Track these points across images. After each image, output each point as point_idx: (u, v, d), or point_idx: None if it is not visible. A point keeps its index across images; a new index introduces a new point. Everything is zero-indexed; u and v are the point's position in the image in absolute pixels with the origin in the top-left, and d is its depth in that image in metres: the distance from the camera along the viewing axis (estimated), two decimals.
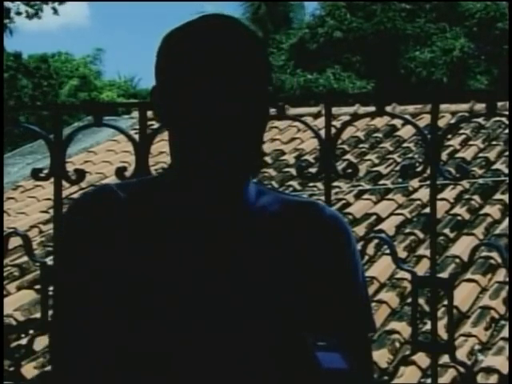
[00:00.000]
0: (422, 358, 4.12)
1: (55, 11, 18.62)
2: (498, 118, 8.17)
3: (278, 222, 1.51)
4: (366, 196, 7.17)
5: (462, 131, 8.19)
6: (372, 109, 2.52)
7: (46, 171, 2.64)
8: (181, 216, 1.47)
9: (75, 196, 7.48)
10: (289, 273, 1.48)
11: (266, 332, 1.46)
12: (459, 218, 6.53)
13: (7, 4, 17.75)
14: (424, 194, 6.63)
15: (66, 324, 1.47)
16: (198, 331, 1.43)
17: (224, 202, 1.47)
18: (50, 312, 1.56)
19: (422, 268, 5.43)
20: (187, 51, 1.42)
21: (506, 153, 7.59)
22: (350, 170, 2.51)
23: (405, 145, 8.26)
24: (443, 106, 7.90)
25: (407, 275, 3.26)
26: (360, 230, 6.42)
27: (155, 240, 1.46)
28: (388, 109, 2.61)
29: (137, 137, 2.61)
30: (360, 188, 7.26)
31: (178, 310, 1.43)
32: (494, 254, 5.43)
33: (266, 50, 1.50)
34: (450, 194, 6.87)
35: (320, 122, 5.19)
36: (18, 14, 18.21)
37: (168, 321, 1.43)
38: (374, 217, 6.71)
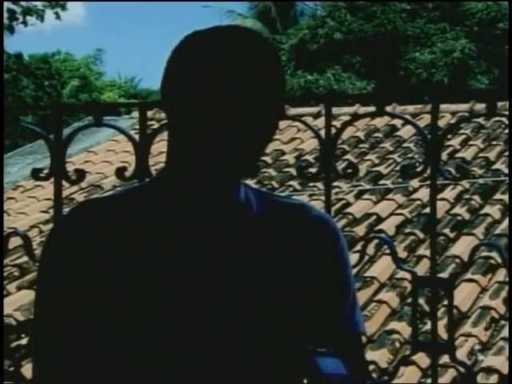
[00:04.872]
0: (422, 358, 4.12)
1: (57, 16, 18.62)
2: (498, 118, 8.17)
3: (267, 223, 1.52)
4: (366, 196, 7.17)
5: (462, 131, 8.19)
6: (372, 109, 2.51)
7: (46, 171, 2.63)
8: (169, 217, 1.48)
9: (74, 195, 7.49)
10: (277, 274, 1.49)
11: (260, 333, 1.46)
12: (459, 217, 6.53)
13: (11, 6, 17.72)
14: (424, 193, 6.63)
15: (58, 333, 1.47)
16: (196, 332, 1.44)
17: (213, 203, 1.48)
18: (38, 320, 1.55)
19: (422, 268, 5.43)
20: (203, 54, 1.43)
21: (506, 153, 7.59)
22: (350, 170, 2.51)
23: (405, 145, 8.26)
24: (443, 106, 7.89)
25: (407, 275, 3.27)
26: (360, 230, 6.42)
27: (146, 241, 1.46)
28: (388, 109, 2.61)
29: (137, 137, 2.61)
30: (360, 188, 7.26)
31: (170, 311, 1.44)
32: (494, 254, 5.43)
33: (281, 64, 1.51)
34: (450, 193, 6.87)
35: (320, 122, 5.19)
36: (26, 13, 18.15)
37: (166, 321, 1.43)
38: (374, 217, 6.71)
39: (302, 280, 1.51)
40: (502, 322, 5.16)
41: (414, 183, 6.98)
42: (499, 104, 2.41)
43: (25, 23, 18.20)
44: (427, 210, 6.05)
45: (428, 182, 3.14)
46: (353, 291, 1.59)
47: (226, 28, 1.51)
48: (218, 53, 1.43)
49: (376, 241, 4.83)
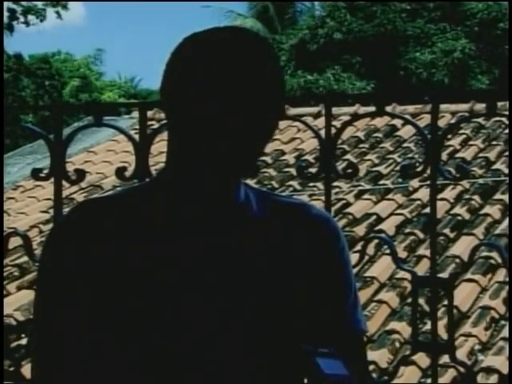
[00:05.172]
0: (422, 358, 4.12)
1: (59, 15, 18.62)
2: (498, 118, 8.17)
3: (267, 222, 1.52)
4: (366, 196, 7.17)
5: (462, 131, 8.19)
6: (372, 109, 2.51)
7: (46, 171, 2.63)
8: (169, 217, 1.48)
9: (74, 196, 7.49)
10: (277, 273, 1.49)
11: (261, 333, 1.46)
12: (459, 217, 6.53)
13: (11, 5, 17.71)
14: (424, 193, 6.63)
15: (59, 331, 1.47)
16: (196, 332, 1.44)
17: (213, 203, 1.48)
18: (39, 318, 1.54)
19: (422, 268, 5.43)
20: (203, 54, 1.44)
21: (506, 153, 7.59)
22: (350, 170, 2.51)
23: (405, 145, 8.26)
24: (443, 106, 7.89)
25: (407, 275, 3.26)
26: (360, 230, 6.42)
27: (146, 241, 1.46)
28: (388, 109, 2.61)
29: (137, 137, 2.61)
30: (360, 188, 7.26)
31: (170, 311, 1.44)
32: (494, 254, 5.43)
33: (281, 65, 1.51)
34: (450, 193, 6.87)
35: (320, 122, 5.19)
36: (27, 12, 18.13)
37: (166, 321, 1.43)
38: (374, 217, 6.71)
39: (303, 280, 1.51)
40: (502, 322, 5.16)
41: (414, 183, 6.97)
42: (499, 104, 2.41)
43: (26, 23, 18.20)
44: (427, 210, 6.05)
45: (428, 182, 3.14)
46: (354, 290, 1.59)
47: (226, 29, 1.52)
48: (217, 53, 1.43)
49: (376, 241, 4.83)
